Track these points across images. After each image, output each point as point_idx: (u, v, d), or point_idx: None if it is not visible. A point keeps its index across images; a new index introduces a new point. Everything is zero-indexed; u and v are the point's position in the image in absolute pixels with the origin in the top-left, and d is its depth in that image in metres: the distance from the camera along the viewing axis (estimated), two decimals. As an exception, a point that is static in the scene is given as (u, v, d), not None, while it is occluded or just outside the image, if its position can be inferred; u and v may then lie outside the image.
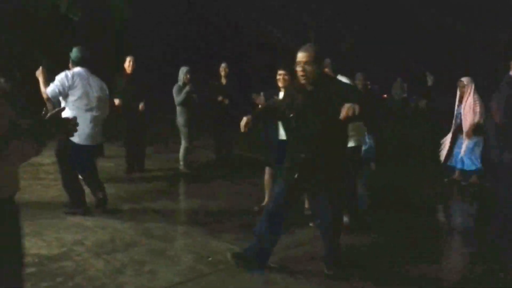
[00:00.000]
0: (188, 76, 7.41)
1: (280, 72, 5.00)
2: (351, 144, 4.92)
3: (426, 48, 16.09)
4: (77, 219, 4.87)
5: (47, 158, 6.87)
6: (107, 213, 5.14)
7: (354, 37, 15.73)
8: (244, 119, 3.54)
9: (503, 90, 4.38)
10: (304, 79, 3.40)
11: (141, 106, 7.23)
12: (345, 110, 3.04)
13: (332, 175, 3.57)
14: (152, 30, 14.03)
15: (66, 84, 4.86)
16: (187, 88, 7.31)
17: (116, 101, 7.10)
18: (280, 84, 5.03)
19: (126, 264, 3.76)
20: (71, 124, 2.09)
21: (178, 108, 7.47)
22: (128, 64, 7.29)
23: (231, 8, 15.70)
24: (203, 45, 15.74)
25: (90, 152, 5.15)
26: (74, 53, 5.11)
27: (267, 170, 5.52)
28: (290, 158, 3.68)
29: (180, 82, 7.45)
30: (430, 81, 8.41)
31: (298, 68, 3.39)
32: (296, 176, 3.54)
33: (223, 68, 7.93)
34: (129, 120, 7.37)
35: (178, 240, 4.59)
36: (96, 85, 5.11)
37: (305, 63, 3.35)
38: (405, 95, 12.85)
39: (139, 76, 7.43)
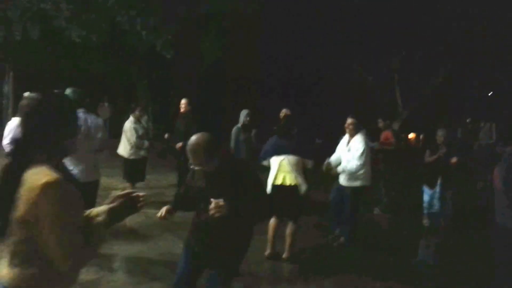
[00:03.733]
0: (248, 118, 7.43)
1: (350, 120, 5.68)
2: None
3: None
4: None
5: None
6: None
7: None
8: (164, 210, 3.14)
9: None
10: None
11: (178, 145, 7.52)
12: (212, 208, 2.78)
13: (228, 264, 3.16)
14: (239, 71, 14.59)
15: None
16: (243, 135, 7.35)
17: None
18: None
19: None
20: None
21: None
22: (181, 105, 7.90)
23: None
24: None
25: None
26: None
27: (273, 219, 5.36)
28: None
29: (239, 124, 7.46)
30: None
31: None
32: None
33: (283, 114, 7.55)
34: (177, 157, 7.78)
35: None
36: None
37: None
38: (492, 141, 11.38)
39: (193, 116, 7.90)
